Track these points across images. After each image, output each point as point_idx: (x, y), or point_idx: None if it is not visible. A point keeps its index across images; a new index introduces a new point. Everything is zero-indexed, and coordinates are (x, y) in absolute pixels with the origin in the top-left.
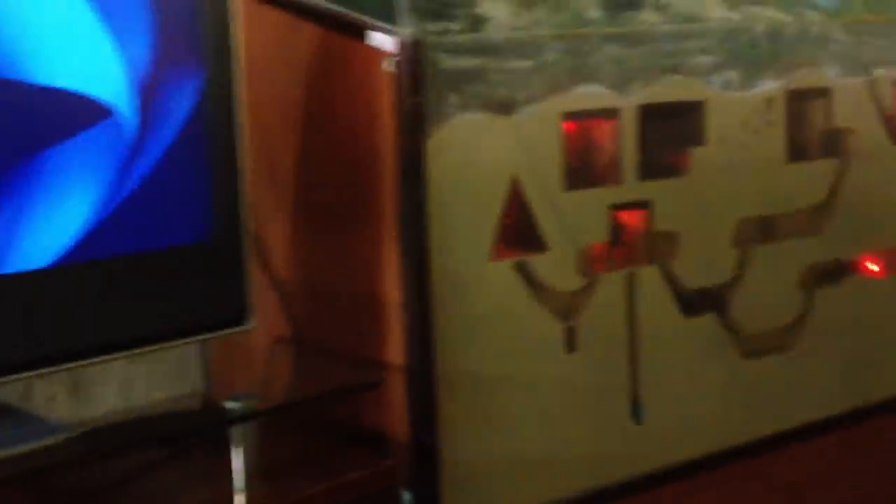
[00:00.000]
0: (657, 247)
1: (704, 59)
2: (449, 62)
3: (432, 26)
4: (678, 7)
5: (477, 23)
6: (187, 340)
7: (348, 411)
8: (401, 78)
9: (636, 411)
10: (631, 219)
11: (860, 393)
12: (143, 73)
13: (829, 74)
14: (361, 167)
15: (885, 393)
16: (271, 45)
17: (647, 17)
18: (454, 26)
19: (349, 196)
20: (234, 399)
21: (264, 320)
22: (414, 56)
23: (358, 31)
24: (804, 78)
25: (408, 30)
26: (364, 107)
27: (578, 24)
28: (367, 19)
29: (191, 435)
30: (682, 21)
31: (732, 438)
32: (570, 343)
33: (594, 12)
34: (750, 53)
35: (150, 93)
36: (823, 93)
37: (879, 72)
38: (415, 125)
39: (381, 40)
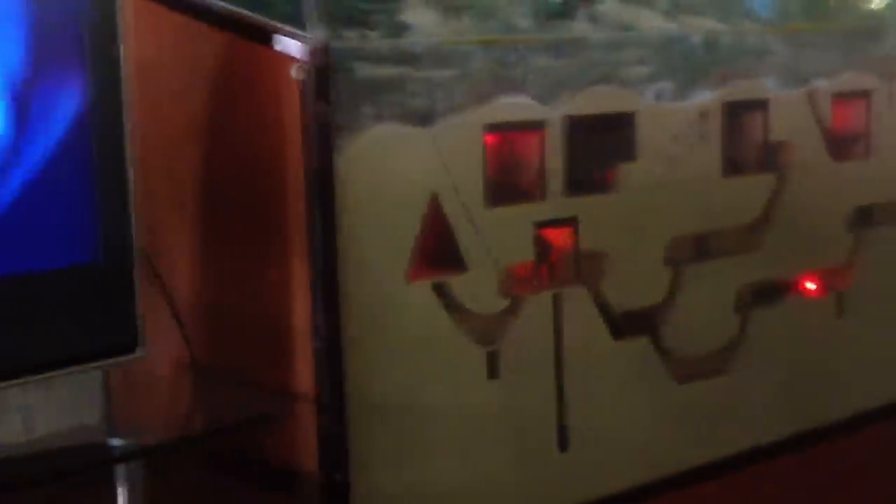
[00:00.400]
0: (585, 266)
1: (636, 70)
2: (363, 70)
3: (346, 33)
4: (612, 16)
5: (397, 30)
6: (75, 370)
7: (256, 445)
8: (308, 86)
9: (562, 440)
10: (557, 237)
11: (800, 419)
12: (18, 78)
13: (766, 86)
14: (268, 182)
15: (826, 419)
16: (169, 50)
17: (581, 27)
18: (372, 33)
19: (256, 214)
20: (123, 435)
21: (167, 347)
22: (322, 63)
23: (264, 37)
24: (741, 89)
25: (317, 35)
26: (271, 117)
27: (507, 33)
28: (273, 24)
29: (68, 475)
30: (617, 30)
31: (666, 467)
32: (493, 369)
33: (524, 21)
34: (685, 64)
35: (25, 99)
36: (761, 105)
37: (818, 83)
38: (323, 137)
39: (289, 46)
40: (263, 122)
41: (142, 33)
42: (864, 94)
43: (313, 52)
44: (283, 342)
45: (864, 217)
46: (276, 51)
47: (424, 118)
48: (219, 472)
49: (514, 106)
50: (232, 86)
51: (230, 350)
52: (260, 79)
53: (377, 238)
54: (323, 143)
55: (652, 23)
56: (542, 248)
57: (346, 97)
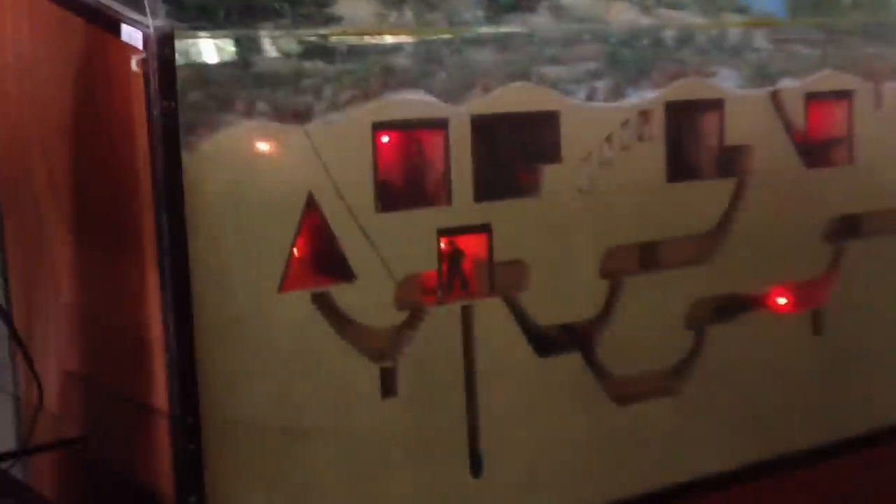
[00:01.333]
0: (501, 277)
1: (565, 67)
2: (225, 62)
3: (202, 23)
4: (579, 9)
5: (325, 21)
6: None
7: (123, 462)
8: (149, 80)
9: (475, 465)
10: (466, 245)
11: (762, 446)
12: None
13: (724, 85)
14: (124, 185)
15: (794, 447)
16: (44, 41)
17: (537, 20)
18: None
19: (116, 219)
20: None
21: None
22: (166, 55)
23: (114, 25)
24: (690, 88)
25: (158, 23)
26: (123, 115)
27: (452, 26)
28: (118, 9)
29: None
30: (578, 23)
31: (600, 496)
32: (388, 386)
33: (471, 13)
34: (624, 61)
35: None
36: (715, 105)
37: (788, 83)
38: (168, 135)
39: (132, 36)
40: (120, 119)
41: (20, 23)
42: (845, 95)
43: (151, 42)
44: (143, 354)
45: (846, 227)
46: (123, 41)
47: (300, 114)
48: (88, 489)
49: (411, 103)
50: (91, 79)
51: (101, 359)
52: (113, 72)
53: (243, 244)
54: (167, 141)
55: (622, 15)
56: (449, 257)
57: (199, 91)
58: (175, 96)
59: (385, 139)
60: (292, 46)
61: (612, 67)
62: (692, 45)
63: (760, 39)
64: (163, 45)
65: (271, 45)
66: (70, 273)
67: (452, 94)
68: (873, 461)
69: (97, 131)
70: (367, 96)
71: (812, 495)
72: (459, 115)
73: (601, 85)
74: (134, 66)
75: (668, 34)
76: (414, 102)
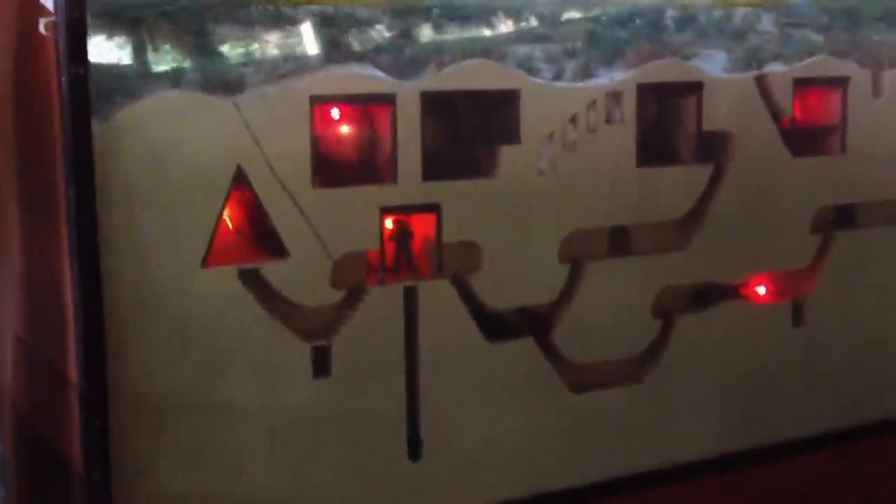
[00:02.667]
0: (450, 258)
1: (524, 43)
2: (147, 27)
3: None
4: None
5: None
6: None
7: (52, 433)
8: (58, 44)
9: (414, 449)
10: (411, 224)
11: (733, 437)
12: None
13: (705, 67)
14: (42, 153)
15: (768, 439)
16: None
17: None
18: None
19: (40, 186)
20: None
21: None
22: (75, 17)
23: None
24: (667, 70)
25: None
26: (38, 79)
27: None
28: None
29: None
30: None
31: (550, 483)
32: (320, 366)
33: None
34: (594, 40)
35: None
36: (692, 88)
37: (775, 67)
38: (76, 103)
39: None
40: (38, 85)
41: None
42: (839, 82)
43: (64, 4)
44: (65, 328)
45: (836, 218)
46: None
47: (231, 86)
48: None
49: (355, 77)
50: (19, 43)
51: (40, 329)
52: (31, 34)
53: (164, 218)
54: (76, 110)
55: None
56: (397, 237)
57: (124, 59)
58: (85, 62)
59: (324, 113)
60: (224, 10)
61: (581, 47)
62: (671, 25)
63: (766, 22)
64: (72, 8)
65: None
66: (17, 240)
67: (402, 70)
68: (845, 457)
69: (20, 99)
70: (306, 68)
71: (782, 489)
72: (408, 91)
73: (570, 64)
74: (42, 28)
75: (661, 14)
76: (358, 76)
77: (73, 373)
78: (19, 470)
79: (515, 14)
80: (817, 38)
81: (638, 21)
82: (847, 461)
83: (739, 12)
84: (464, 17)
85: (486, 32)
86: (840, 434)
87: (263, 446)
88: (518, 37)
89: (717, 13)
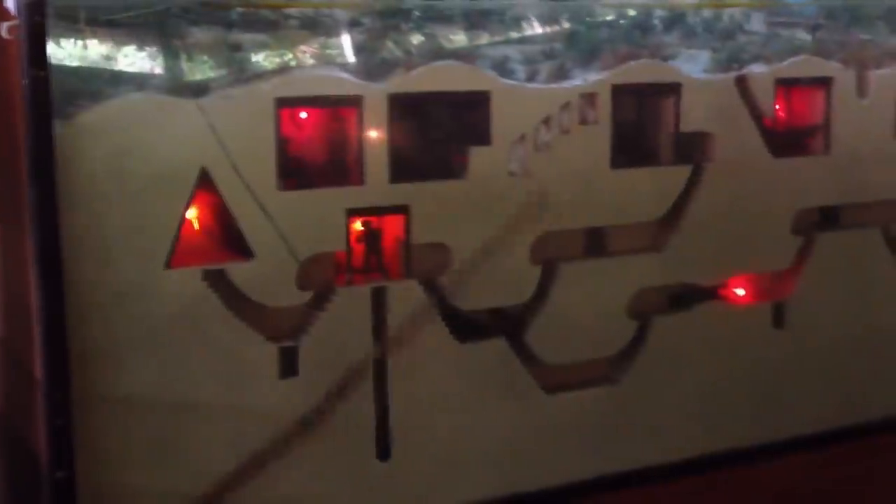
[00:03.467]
0: (419, 260)
1: (498, 45)
2: (108, 32)
3: None
4: None
5: None
6: None
7: (25, 431)
8: (20, 47)
9: (382, 448)
10: (379, 226)
11: (712, 439)
12: None
13: (684, 68)
14: (6, 153)
15: (739, 441)
16: None
17: None
18: None
19: (4, 186)
20: None
21: None
22: (35, 22)
23: None
24: (643, 71)
25: None
26: (3, 81)
27: None
28: None
29: None
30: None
31: (522, 484)
32: (287, 367)
33: None
34: (569, 41)
35: None
36: (670, 90)
37: (757, 68)
38: (37, 105)
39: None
40: (1, 86)
41: None
42: (822, 82)
43: (25, 8)
44: (26, 324)
45: (819, 219)
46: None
47: (195, 89)
48: None
49: (321, 79)
50: None
51: (11, 328)
52: None
53: (127, 219)
54: (36, 112)
55: None
56: (366, 238)
57: (89, 61)
58: (45, 65)
59: (290, 116)
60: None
61: (568, 48)
62: (647, 26)
63: (753, 22)
64: (32, 12)
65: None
66: None
67: (370, 72)
68: (826, 458)
69: None
70: (274, 71)
71: (761, 491)
72: (375, 93)
73: (544, 66)
74: (4, 31)
75: (634, 15)
76: (324, 78)
77: (39, 371)
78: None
79: (497, 17)
80: (805, 37)
81: (622, 22)
82: (828, 462)
83: (726, 12)
84: (444, 19)
85: (463, 34)
86: (821, 436)
87: (229, 446)
88: (494, 38)
89: (704, 13)
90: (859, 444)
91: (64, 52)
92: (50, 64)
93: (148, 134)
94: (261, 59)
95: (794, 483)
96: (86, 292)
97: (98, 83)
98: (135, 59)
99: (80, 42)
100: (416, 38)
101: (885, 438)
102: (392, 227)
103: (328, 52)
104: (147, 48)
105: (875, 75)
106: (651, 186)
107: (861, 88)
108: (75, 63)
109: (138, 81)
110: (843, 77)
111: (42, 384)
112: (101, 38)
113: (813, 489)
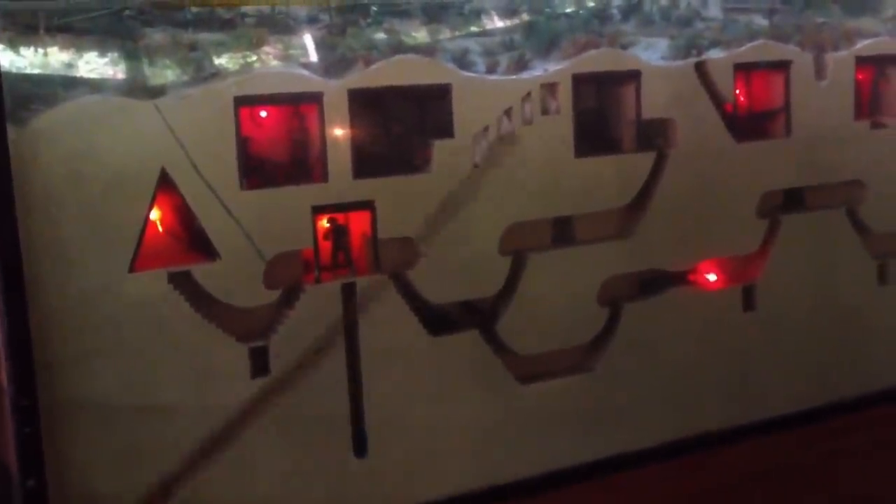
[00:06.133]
0: (387, 255)
1: (457, 38)
2: (61, 36)
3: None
4: None
5: None
6: None
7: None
8: None
9: (359, 445)
10: (346, 222)
11: (685, 424)
12: None
13: (643, 56)
14: None
15: (713, 424)
16: None
17: None
18: None
19: None
20: None
21: None
22: None
23: None
24: (602, 59)
25: None
26: None
27: None
28: None
29: None
30: None
31: (499, 476)
32: (258, 366)
33: None
34: (529, 32)
35: None
36: (630, 77)
37: (716, 54)
38: None
39: None
40: None
41: None
42: (781, 66)
43: None
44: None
45: (784, 202)
46: None
47: (151, 90)
48: None
49: (280, 77)
50: None
51: None
52: None
53: (87, 222)
54: None
55: None
56: (332, 235)
57: (44, 66)
58: None
59: (249, 114)
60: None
61: (527, 39)
62: (606, 15)
63: (712, 8)
64: None
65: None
66: None
67: (328, 68)
68: (800, 439)
69: None
70: (229, 70)
71: (736, 473)
72: (335, 89)
73: (504, 57)
74: None
75: (593, 6)
76: (283, 76)
77: (4, 380)
78: None
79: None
80: (762, 22)
81: (581, 12)
82: (801, 442)
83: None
84: (402, 14)
85: (423, 29)
86: (794, 416)
87: (202, 448)
88: (454, 31)
89: (662, 1)
90: (831, 424)
91: (15, 55)
92: (0, 69)
93: (105, 136)
94: (218, 58)
95: (767, 463)
96: (49, 299)
97: (53, 87)
98: (90, 61)
99: (32, 46)
100: (376, 34)
101: (855, 417)
102: (358, 223)
103: (286, 49)
104: (102, 50)
105: (832, 58)
106: (616, 174)
107: (819, 71)
108: (29, 67)
109: (94, 83)
110: (801, 60)
111: (8, 392)
112: (55, 42)
113: (787, 468)
